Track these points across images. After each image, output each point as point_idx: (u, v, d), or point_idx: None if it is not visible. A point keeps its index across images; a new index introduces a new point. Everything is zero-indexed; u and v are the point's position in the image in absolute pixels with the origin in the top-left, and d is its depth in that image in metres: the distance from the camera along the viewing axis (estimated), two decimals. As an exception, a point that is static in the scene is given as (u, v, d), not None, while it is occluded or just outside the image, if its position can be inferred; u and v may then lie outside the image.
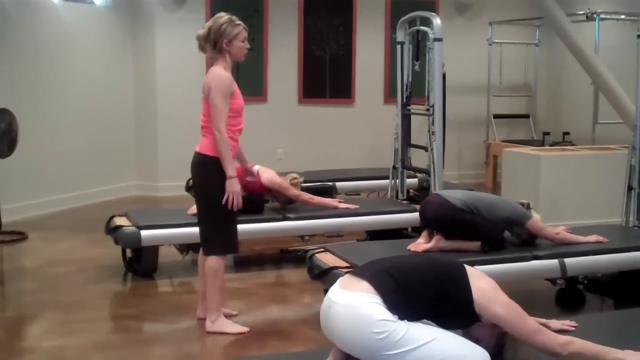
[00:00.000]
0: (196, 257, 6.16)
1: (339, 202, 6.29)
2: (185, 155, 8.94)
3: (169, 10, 9.26)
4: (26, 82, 7.90)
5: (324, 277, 4.56)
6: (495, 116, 10.58)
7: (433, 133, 6.43)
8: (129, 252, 5.91)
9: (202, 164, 4.43)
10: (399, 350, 2.70)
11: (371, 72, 10.19)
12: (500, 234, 4.78)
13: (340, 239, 6.19)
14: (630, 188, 5.77)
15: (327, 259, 4.69)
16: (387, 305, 2.74)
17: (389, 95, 9.87)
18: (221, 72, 4.33)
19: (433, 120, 6.42)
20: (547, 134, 9.82)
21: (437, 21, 6.39)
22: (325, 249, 4.93)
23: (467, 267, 2.99)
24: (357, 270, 2.99)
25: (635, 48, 6.00)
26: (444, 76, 6.48)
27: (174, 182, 8.77)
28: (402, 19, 6.96)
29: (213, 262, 4.47)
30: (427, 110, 6.50)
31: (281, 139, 9.77)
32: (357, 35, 10.07)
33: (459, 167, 10.74)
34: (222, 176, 4.32)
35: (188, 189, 7.56)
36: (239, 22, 4.46)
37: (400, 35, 7.00)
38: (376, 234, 6.44)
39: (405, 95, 7.05)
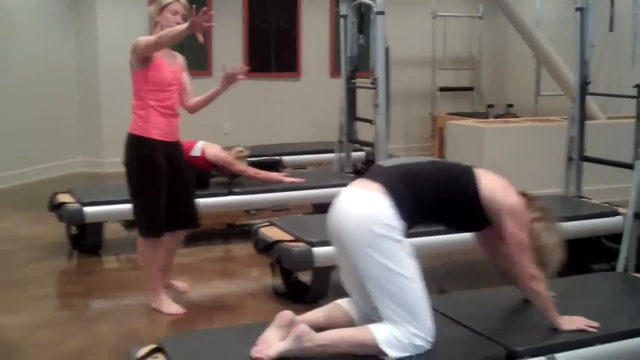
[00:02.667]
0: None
1: (285, 176, 6.31)
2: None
3: (111, -16, 9.12)
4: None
5: (270, 251, 4.59)
6: (441, 89, 10.68)
7: (377, 106, 6.48)
8: (73, 229, 5.86)
9: (125, 143, 4.35)
10: (380, 259, 2.71)
11: (317, 45, 10.19)
12: None
13: (286, 212, 6.21)
14: (570, 159, 5.87)
15: (273, 233, 4.72)
16: (397, 209, 2.78)
17: (335, 69, 9.88)
18: (140, 37, 4.18)
19: (377, 94, 6.46)
20: (491, 106, 9.96)
21: (379, -6, 6.41)
22: (271, 222, 4.96)
23: (476, 168, 3.02)
24: (371, 174, 2.99)
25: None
26: (387, 50, 6.51)
27: (119, 158, 8.62)
28: (345, -8, 6.98)
29: (139, 244, 4.42)
30: (372, 83, 6.53)
31: (227, 114, 9.72)
32: (302, 8, 10.06)
33: (405, 140, 10.83)
34: (137, 153, 4.25)
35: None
36: None
37: (343, 9, 7.02)
38: (322, 207, 6.46)
39: (349, 69, 7.07)
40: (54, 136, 8.93)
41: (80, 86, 9.29)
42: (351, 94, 7.13)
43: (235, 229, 6.46)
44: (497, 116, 9.56)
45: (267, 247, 4.61)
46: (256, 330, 2.84)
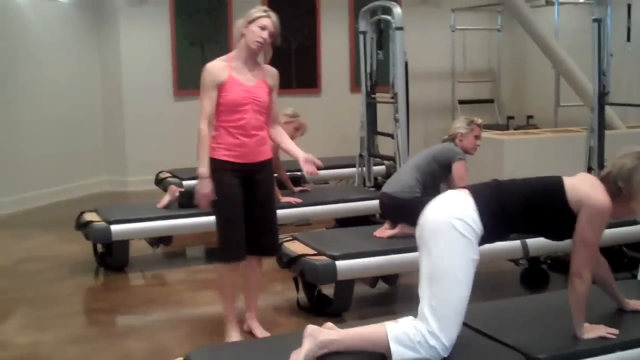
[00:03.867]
0: (166, 250, 6.28)
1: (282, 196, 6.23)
2: (153, 149, 9.20)
3: (133, 5, 9.26)
4: (-9, 81, 7.90)
5: (293, 265, 4.66)
6: (461, 102, 10.71)
7: (397, 120, 6.54)
8: (100, 247, 5.96)
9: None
10: (444, 250, 2.83)
11: (337, 61, 10.27)
12: None
13: (309, 227, 6.27)
14: (590, 169, 5.90)
15: (296, 247, 4.79)
16: (480, 213, 2.89)
17: (355, 84, 9.95)
18: (208, 64, 3.97)
19: (397, 108, 6.52)
20: (512, 117, 9.98)
21: (397, 10, 6.49)
22: (294, 237, 5.02)
23: (565, 177, 3.09)
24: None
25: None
26: (406, 64, 6.58)
27: (143, 177, 8.81)
28: (364, 8, 7.06)
29: (216, 268, 4.26)
30: (391, 98, 6.60)
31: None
32: (322, 25, 10.15)
33: (426, 153, 10.83)
34: (211, 175, 3.95)
35: (157, 182, 7.64)
36: (268, 11, 4.08)
37: (363, 25, 7.09)
38: (344, 222, 6.54)
39: (369, 84, 7.14)
40: (79, 156, 9.05)
41: (104, 105, 9.42)
42: (371, 108, 7.19)
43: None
44: (518, 127, 9.58)
45: (290, 262, 4.68)
46: (280, 343, 2.91)
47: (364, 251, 4.67)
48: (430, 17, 10.62)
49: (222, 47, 9.47)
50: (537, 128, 9.31)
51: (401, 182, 4.97)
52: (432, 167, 4.96)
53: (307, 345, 2.79)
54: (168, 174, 7.69)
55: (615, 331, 3.06)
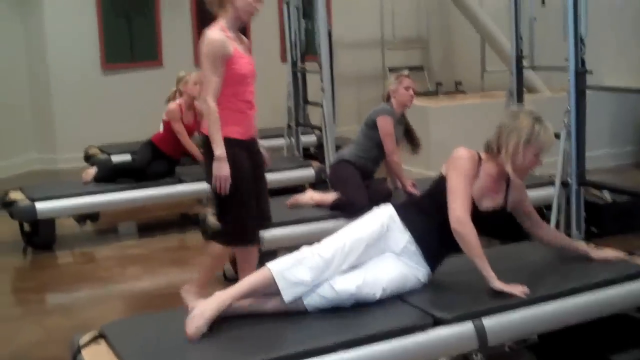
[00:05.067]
0: (95, 227, 6.25)
1: None
2: (83, 124, 9.07)
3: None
4: None
5: (217, 238, 4.68)
6: (391, 69, 10.76)
7: (323, 89, 6.58)
8: (27, 226, 5.91)
9: (202, 144, 3.90)
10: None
11: (267, 32, 10.23)
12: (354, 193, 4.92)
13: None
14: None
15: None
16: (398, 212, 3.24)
17: (285, 54, 9.94)
18: (212, 35, 3.71)
19: (322, 77, 6.56)
20: (440, 84, 10.10)
21: (319, -21, 6.50)
22: (219, 210, 5.05)
23: None
24: None
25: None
26: (330, 33, 6.61)
27: (73, 154, 8.70)
28: (287, -23, 7.07)
29: (215, 248, 4.05)
30: (302, 68, 6.65)
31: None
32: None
33: (358, 121, 10.87)
34: (229, 158, 3.72)
35: (86, 158, 7.59)
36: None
37: (286, -6, 7.11)
38: (275, 192, 6.56)
39: (295, 54, 7.17)
40: (6, 135, 8.87)
41: (30, 82, 9.23)
42: (298, 78, 7.23)
43: (189, 219, 6.54)
44: (446, 93, 9.71)
45: (214, 234, 4.70)
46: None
47: (286, 221, 4.75)
48: (359, -17, 10.64)
49: (148, 19, 9.42)
50: (464, 94, 9.46)
51: (348, 150, 5.14)
52: (365, 132, 5.06)
53: (209, 308, 2.90)
54: (97, 150, 7.63)
55: (527, 291, 3.14)
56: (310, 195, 5.08)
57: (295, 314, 3.01)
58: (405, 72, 5.23)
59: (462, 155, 3.25)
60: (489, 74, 9.30)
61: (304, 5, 7.21)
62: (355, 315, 3.00)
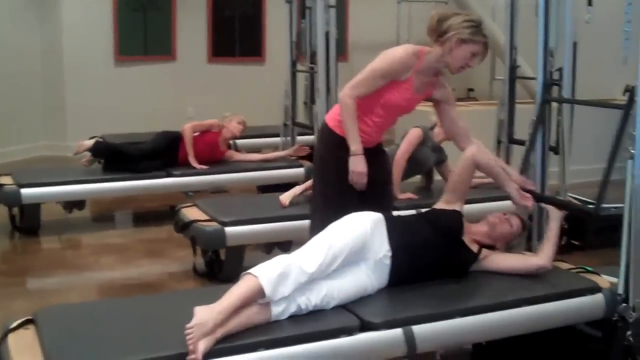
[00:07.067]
0: (83, 214, 6.31)
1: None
2: (94, 114, 9.17)
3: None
4: None
5: (186, 231, 4.73)
6: (406, 73, 10.73)
7: (318, 90, 6.57)
8: (15, 211, 5.99)
9: (321, 134, 3.73)
10: None
11: (281, 31, 10.24)
12: None
13: (226, 195, 6.32)
14: (499, 142, 5.96)
15: (192, 214, 4.86)
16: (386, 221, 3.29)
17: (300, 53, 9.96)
18: (399, 50, 3.51)
19: (317, 77, 6.55)
20: (453, 90, 10.01)
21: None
22: (194, 203, 5.08)
23: None
24: None
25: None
26: (327, 34, 6.58)
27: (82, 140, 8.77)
28: (292, -22, 7.08)
29: None
30: (311, 68, 6.64)
31: (191, 98, 9.82)
32: (266, -7, 10.15)
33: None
34: (338, 156, 3.54)
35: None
36: (484, 34, 3.47)
37: (290, -5, 7.13)
38: (266, 189, 6.58)
39: (294, 53, 7.21)
40: (17, 119, 9.01)
41: (44, 69, 9.35)
42: (295, 78, 7.28)
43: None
44: (459, 100, 9.63)
45: (184, 227, 4.75)
46: (131, 303, 2.97)
47: (255, 218, 4.75)
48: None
49: (164, 14, 9.51)
50: (475, 100, 9.40)
51: None
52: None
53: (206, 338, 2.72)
54: (100, 139, 7.68)
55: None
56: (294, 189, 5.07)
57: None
58: None
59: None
60: (498, 82, 9.22)
61: (301, 5, 7.26)
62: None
